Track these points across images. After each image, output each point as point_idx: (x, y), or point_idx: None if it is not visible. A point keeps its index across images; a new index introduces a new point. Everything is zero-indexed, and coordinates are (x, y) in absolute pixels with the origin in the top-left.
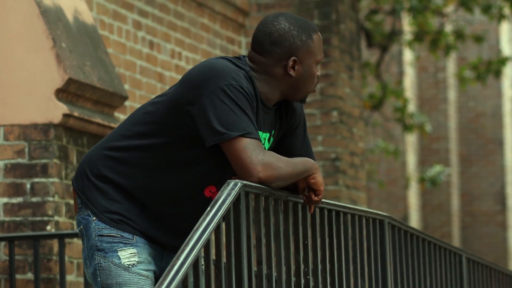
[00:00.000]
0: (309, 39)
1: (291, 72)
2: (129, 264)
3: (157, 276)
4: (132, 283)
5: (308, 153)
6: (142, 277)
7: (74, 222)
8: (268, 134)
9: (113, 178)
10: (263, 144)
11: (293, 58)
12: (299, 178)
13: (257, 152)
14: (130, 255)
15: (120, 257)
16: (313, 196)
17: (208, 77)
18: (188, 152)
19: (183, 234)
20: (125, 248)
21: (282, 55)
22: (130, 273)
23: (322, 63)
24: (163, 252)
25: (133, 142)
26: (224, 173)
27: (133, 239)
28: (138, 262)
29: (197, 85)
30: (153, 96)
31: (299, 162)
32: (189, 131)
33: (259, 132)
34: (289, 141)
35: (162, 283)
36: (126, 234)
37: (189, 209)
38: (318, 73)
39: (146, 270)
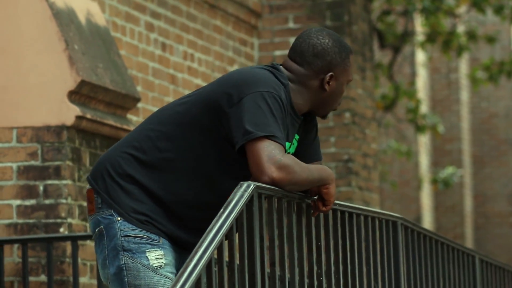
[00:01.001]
0: (347, 58)
1: (326, 87)
2: (157, 266)
3: None
4: (160, 284)
5: (317, 152)
6: (168, 279)
7: (87, 224)
8: (289, 144)
9: (138, 179)
10: (287, 151)
11: (331, 73)
12: (313, 186)
13: (276, 152)
14: (158, 257)
15: (148, 258)
16: (320, 206)
17: (250, 82)
18: (219, 154)
19: None
20: (152, 249)
21: (322, 68)
22: (158, 275)
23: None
24: (180, 254)
25: (160, 143)
26: (250, 177)
27: (159, 241)
28: (165, 264)
29: (238, 89)
30: (166, 98)
31: (316, 170)
32: (224, 133)
33: (286, 143)
34: (301, 141)
35: (175, 285)
36: (153, 236)
37: (215, 212)
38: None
39: (171, 273)
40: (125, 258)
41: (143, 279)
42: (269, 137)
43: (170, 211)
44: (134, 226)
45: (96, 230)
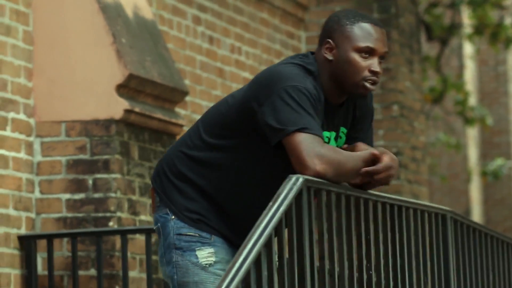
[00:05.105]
0: (350, 24)
1: (327, 55)
2: (206, 264)
3: None
4: (208, 282)
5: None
6: (218, 276)
7: (136, 218)
8: (334, 133)
9: (191, 177)
10: (329, 143)
11: (326, 39)
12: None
13: (314, 145)
14: (208, 255)
15: (197, 256)
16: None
17: (274, 80)
18: (261, 153)
19: None
20: (203, 247)
21: (322, 39)
22: (207, 273)
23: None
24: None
25: (209, 141)
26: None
27: (211, 239)
28: (215, 262)
29: (263, 88)
30: (214, 92)
31: (358, 157)
32: (261, 133)
33: (324, 132)
34: (353, 132)
35: (224, 280)
36: (204, 234)
37: (263, 210)
38: (375, 67)
39: (223, 270)
40: (176, 256)
41: (191, 276)
42: (302, 129)
43: (220, 209)
44: (186, 225)
45: (155, 227)
